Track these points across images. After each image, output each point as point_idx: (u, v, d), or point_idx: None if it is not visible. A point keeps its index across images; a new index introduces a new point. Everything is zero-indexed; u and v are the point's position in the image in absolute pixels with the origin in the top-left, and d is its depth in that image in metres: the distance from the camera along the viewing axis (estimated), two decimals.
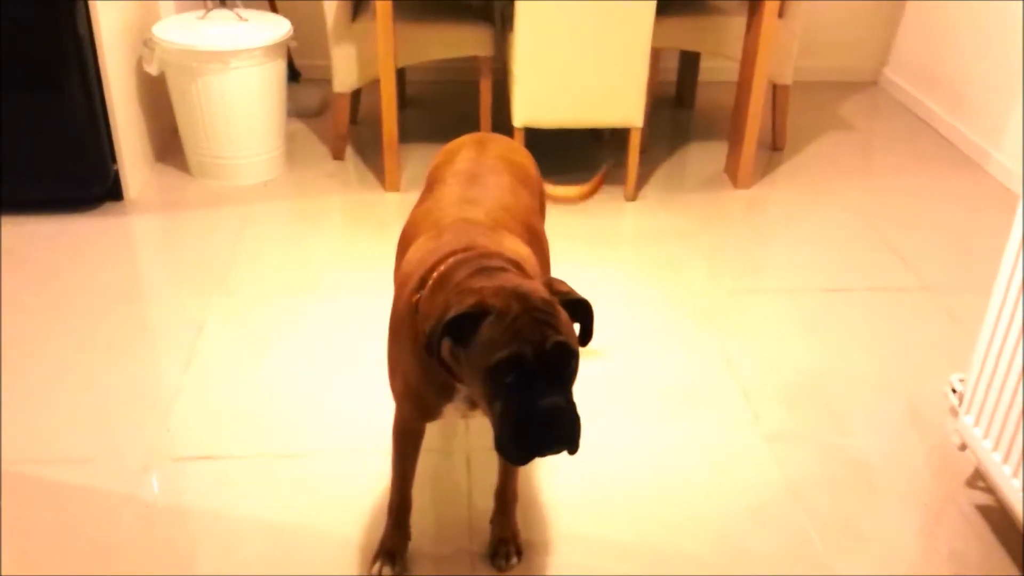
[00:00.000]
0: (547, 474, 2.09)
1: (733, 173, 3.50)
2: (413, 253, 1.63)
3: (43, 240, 2.99)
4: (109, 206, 3.20)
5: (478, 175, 1.83)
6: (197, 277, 2.83)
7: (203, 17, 3.32)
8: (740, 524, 1.97)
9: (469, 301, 1.35)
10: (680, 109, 4.24)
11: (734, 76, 3.69)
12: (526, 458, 1.37)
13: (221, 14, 3.35)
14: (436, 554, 1.88)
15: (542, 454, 1.37)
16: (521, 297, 1.35)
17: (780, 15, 3.49)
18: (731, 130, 3.53)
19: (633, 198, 3.37)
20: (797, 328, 2.66)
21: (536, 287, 1.39)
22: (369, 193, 3.38)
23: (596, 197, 3.35)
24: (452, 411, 1.58)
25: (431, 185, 1.90)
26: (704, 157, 3.75)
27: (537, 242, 1.81)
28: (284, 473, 2.08)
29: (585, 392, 2.36)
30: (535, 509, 1.99)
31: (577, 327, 1.44)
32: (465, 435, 2.21)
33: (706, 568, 1.86)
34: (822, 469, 2.13)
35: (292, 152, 3.63)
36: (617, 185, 3.43)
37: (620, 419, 2.28)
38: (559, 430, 1.34)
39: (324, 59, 3.58)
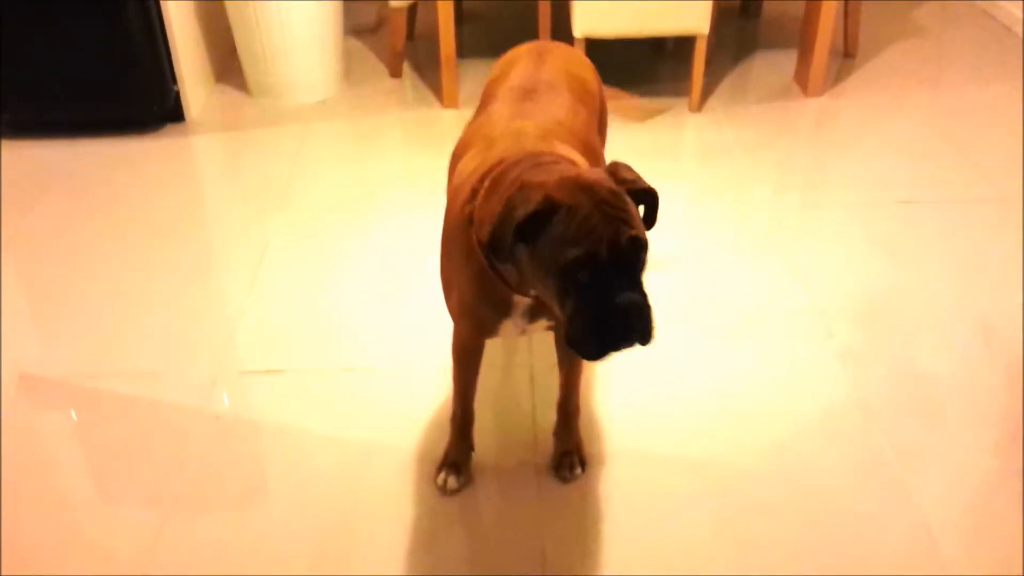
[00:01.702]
0: (610, 388, 2.08)
1: (803, 81, 3.37)
2: (464, 165, 1.59)
3: (107, 161, 3.03)
4: (170, 127, 3.22)
5: (533, 91, 1.76)
6: (259, 197, 2.84)
7: None
8: (810, 440, 1.94)
9: (536, 197, 1.30)
10: (746, 19, 4.08)
11: None
12: (603, 354, 1.35)
13: None
14: (500, 466, 1.89)
15: (618, 349, 1.34)
16: (588, 189, 1.31)
17: None
18: (801, 36, 3.39)
19: (698, 109, 3.26)
20: (870, 242, 2.57)
21: (601, 177, 1.35)
22: (427, 110, 3.34)
23: (660, 108, 3.28)
24: (510, 328, 1.55)
25: (484, 102, 1.85)
26: (772, 67, 3.61)
27: (595, 161, 1.75)
28: (348, 387, 2.10)
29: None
30: (598, 424, 1.99)
31: (641, 210, 1.41)
32: (528, 351, 2.19)
33: (775, 484, 1.84)
34: (895, 386, 2.08)
35: (349, 70, 3.59)
36: (681, 97, 3.32)
37: (687, 335, 2.24)
38: (635, 324, 1.32)
39: None
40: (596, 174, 1.35)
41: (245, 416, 2.03)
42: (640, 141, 3.07)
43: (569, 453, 1.86)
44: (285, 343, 2.24)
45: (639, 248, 1.31)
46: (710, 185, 2.86)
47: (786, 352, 2.18)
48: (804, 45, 3.36)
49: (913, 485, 1.82)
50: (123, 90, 3.11)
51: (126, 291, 2.43)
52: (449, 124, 3.24)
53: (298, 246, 2.61)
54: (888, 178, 2.87)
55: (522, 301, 1.49)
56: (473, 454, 1.87)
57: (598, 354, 1.35)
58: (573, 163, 1.46)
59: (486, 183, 1.43)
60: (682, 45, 3.74)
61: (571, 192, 1.31)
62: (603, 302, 1.30)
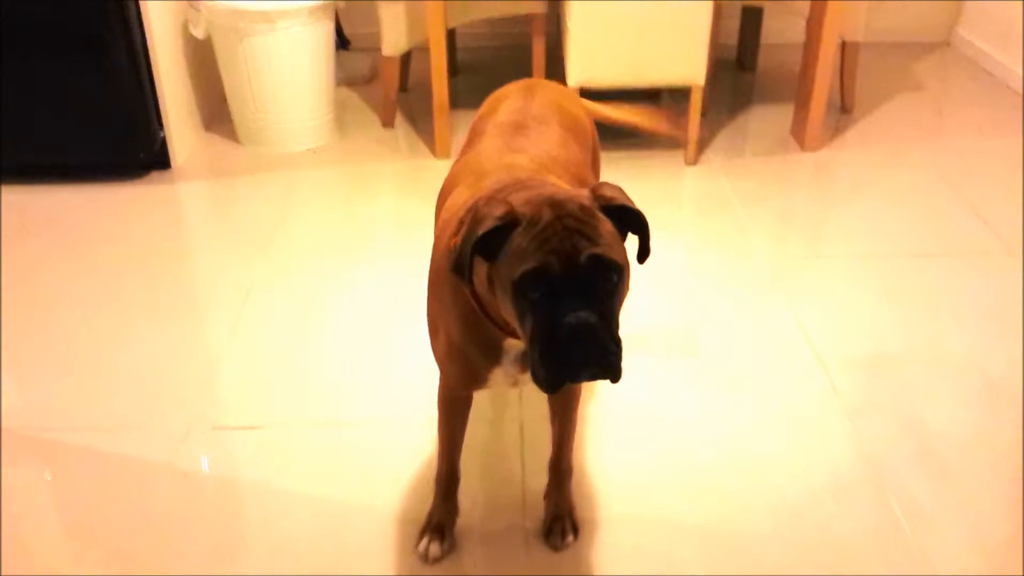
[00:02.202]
0: (605, 446, 1.97)
1: (800, 135, 3.32)
2: (453, 200, 1.51)
3: (88, 206, 2.94)
4: (156, 174, 3.14)
5: (524, 126, 1.69)
6: (244, 242, 2.76)
7: None
8: (819, 501, 1.83)
9: (498, 212, 1.23)
10: (741, 72, 4.05)
11: (798, 38, 3.52)
12: (554, 383, 1.24)
13: None
14: (487, 530, 1.77)
15: (572, 378, 1.24)
16: (555, 204, 1.23)
17: None
18: (798, 89, 3.35)
19: (694, 162, 3.20)
20: (874, 295, 2.49)
21: (577, 194, 1.27)
22: (419, 159, 3.28)
23: (653, 161, 3.22)
24: (501, 377, 1.45)
25: (473, 138, 1.78)
26: (768, 120, 3.56)
27: None
28: (328, 443, 1.99)
29: (648, 359, 2.23)
30: (592, 485, 1.87)
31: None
32: (518, 405, 2.09)
33: (783, 550, 1.72)
34: (904, 443, 1.97)
35: (341, 120, 3.54)
36: (676, 150, 3.27)
37: (687, 389, 2.14)
38: (589, 351, 1.20)
39: (373, 27, 3.47)
40: (571, 192, 1.28)
41: (217, 473, 1.92)
42: (637, 191, 2.98)
43: (561, 518, 1.74)
44: (263, 395, 2.13)
45: (602, 267, 1.21)
46: (709, 236, 2.78)
47: (791, 407, 2.08)
48: (801, 98, 3.32)
49: (928, 548, 1.71)
50: (108, 135, 3.04)
51: (99, 338, 2.32)
52: (441, 173, 3.11)
53: (281, 294, 2.51)
54: (891, 231, 2.80)
55: (513, 346, 1.39)
56: (458, 517, 1.76)
57: (550, 382, 1.24)
58: (560, 187, 1.38)
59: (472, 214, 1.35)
60: (678, 97, 3.70)
61: (536, 206, 1.23)
62: (552, 322, 1.20)
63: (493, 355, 1.42)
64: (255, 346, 2.30)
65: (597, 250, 1.20)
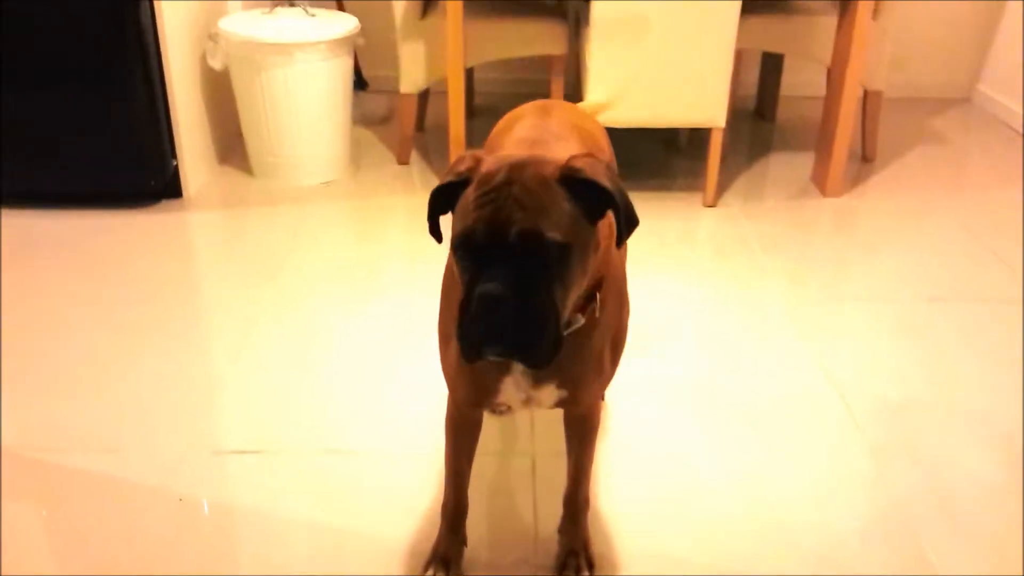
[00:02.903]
0: (624, 481, 1.87)
1: (822, 181, 3.27)
2: None
3: (97, 232, 2.90)
4: (167, 203, 3.10)
5: (543, 141, 1.63)
6: (251, 271, 2.70)
7: (270, 12, 3.23)
8: (844, 544, 1.72)
9: (461, 167, 1.21)
10: (761, 122, 4.02)
11: (817, 90, 3.51)
12: (464, 353, 1.18)
13: (288, 11, 3.26)
14: (495, 564, 1.67)
15: (478, 351, 1.17)
16: (514, 168, 1.17)
17: (873, 16, 3.27)
18: (820, 135, 3.31)
19: (713, 204, 3.15)
20: (898, 339, 2.40)
21: (545, 162, 1.19)
22: None
23: (672, 202, 3.17)
24: (512, 390, 1.37)
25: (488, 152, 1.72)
26: (788, 167, 3.52)
27: (606, 223, 1.61)
28: (331, 470, 1.90)
29: (667, 398, 2.14)
30: (610, 520, 1.77)
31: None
32: (529, 437, 2.00)
33: None
34: (932, 488, 1.87)
35: (356, 157, 3.51)
36: (695, 192, 3.22)
37: (707, 427, 2.05)
38: (494, 325, 1.13)
39: (391, 70, 3.46)
40: (544, 157, 1.21)
41: (214, 498, 1.82)
42: (654, 231, 2.94)
43: (576, 553, 1.64)
44: (264, 421, 2.05)
45: (532, 242, 1.13)
46: (728, 277, 2.71)
47: (815, 449, 1.98)
48: (822, 144, 3.28)
49: None
50: (121, 163, 3.01)
51: (100, 361, 2.25)
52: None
53: (287, 322, 2.44)
54: (914, 276, 2.73)
55: None
56: (465, 550, 1.66)
57: (461, 352, 1.18)
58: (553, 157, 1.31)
59: None
60: (696, 142, 3.67)
61: (497, 166, 1.18)
62: (468, 291, 1.15)
63: (503, 363, 1.33)
64: (258, 372, 2.23)
65: (530, 224, 1.13)
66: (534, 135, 1.65)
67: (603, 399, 2.05)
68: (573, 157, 1.20)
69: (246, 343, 2.33)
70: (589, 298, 1.30)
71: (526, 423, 2.04)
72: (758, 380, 2.22)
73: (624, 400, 2.11)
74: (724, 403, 2.14)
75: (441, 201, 1.25)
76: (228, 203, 3.16)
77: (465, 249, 1.16)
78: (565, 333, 1.26)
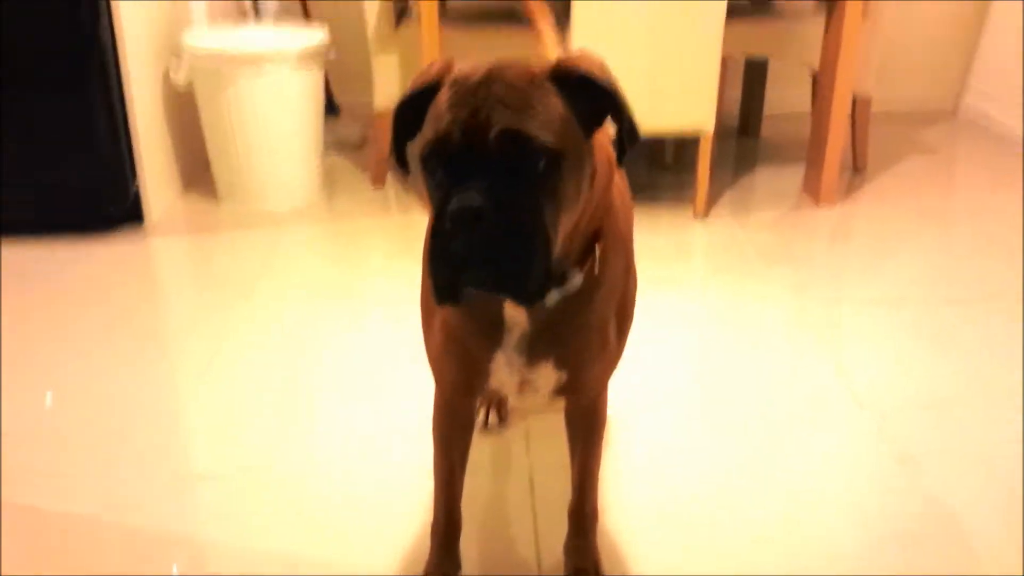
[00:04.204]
0: (635, 490, 1.69)
1: (814, 190, 3.14)
2: None
3: (52, 260, 2.70)
4: (127, 230, 2.92)
5: None
6: (219, 294, 2.52)
7: (236, 26, 3.09)
8: (883, 548, 1.55)
9: (432, 70, 1.04)
10: (745, 138, 3.91)
11: (800, 106, 3.41)
12: (438, 286, 1.00)
13: (255, 25, 3.13)
14: None
15: (453, 284, 0.99)
16: (495, 67, 1.00)
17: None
18: (810, 142, 3.19)
19: (704, 215, 3.01)
20: (917, 340, 2.26)
21: (533, 62, 1.04)
22: (411, 216, 3.07)
23: (662, 215, 3.03)
24: (504, 370, 1.19)
25: None
26: (777, 179, 3.40)
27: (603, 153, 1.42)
28: (305, 493, 1.70)
29: (679, 410, 1.97)
30: (621, 535, 1.59)
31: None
32: (525, 452, 1.82)
33: None
34: (972, 482, 1.71)
35: (329, 180, 3.35)
36: (683, 203, 3.08)
37: (725, 434, 1.88)
38: (477, 249, 0.95)
39: (363, 95, 3.34)
40: (529, 61, 1.05)
41: (174, 528, 1.62)
42: (646, 244, 2.77)
43: (585, 570, 1.46)
44: (231, 443, 1.85)
45: (518, 146, 0.96)
46: (731, 287, 2.56)
47: (841, 457, 1.82)
48: (814, 152, 3.16)
49: None
50: (77, 187, 2.82)
51: (54, 388, 2.05)
52: None
53: (257, 343, 2.26)
54: (925, 280, 2.59)
55: (516, 321, 1.15)
56: (460, 573, 1.47)
57: (434, 285, 1.00)
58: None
59: None
60: (681, 158, 3.55)
61: (475, 67, 1.00)
62: (440, 208, 0.96)
63: (493, 333, 1.16)
64: (225, 394, 2.03)
65: (515, 124, 0.96)
66: None
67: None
68: (570, 56, 1.04)
69: (212, 364, 2.14)
70: (587, 251, 1.12)
71: (520, 435, 1.85)
72: (773, 388, 2.06)
73: (631, 411, 1.94)
74: (739, 413, 1.97)
75: (408, 118, 1.06)
76: (193, 228, 2.98)
77: (436, 158, 0.98)
78: (561, 294, 1.09)
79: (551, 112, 0.99)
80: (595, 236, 1.13)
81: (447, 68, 1.05)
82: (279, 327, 2.34)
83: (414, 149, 1.06)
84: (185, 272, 2.76)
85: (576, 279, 1.11)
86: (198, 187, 3.26)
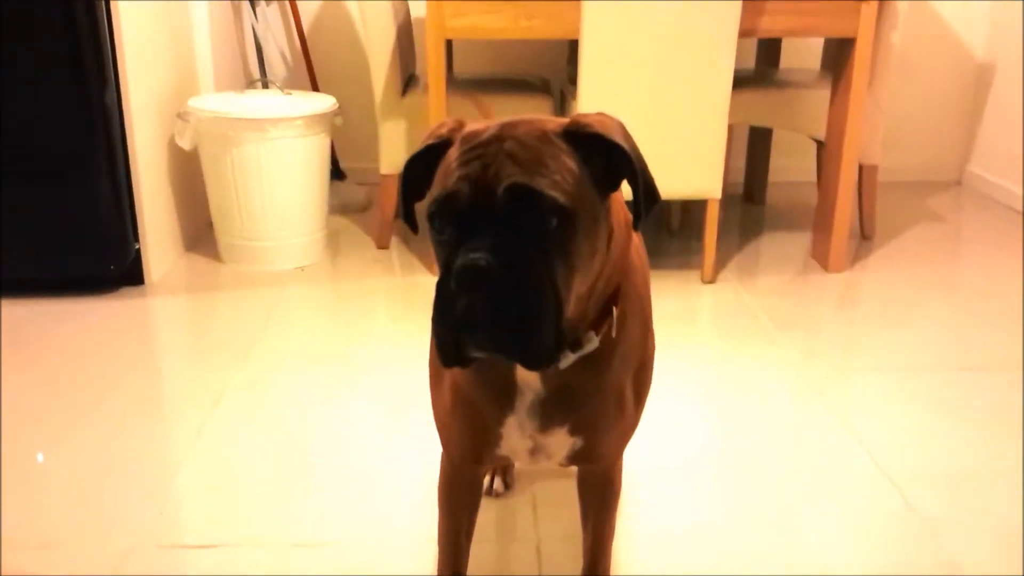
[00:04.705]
0: (652, 556, 1.61)
1: (823, 257, 3.11)
2: None
3: (50, 320, 2.66)
4: (127, 290, 2.88)
5: None
6: (216, 355, 2.46)
7: (243, 92, 3.10)
8: None
9: (442, 131, 1.02)
10: (750, 205, 3.90)
11: (805, 175, 3.42)
12: (442, 348, 0.95)
13: (263, 91, 3.14)
14: None
15: (461, 348, 0.94)
16: (506, 124, 0.97)
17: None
18: (818, 210, 3.17)
19: (712, 280, 2.97)
20: (931, 408, 2.19)
21: (547, 119, 1.01)
22: (415, 277, 3.04)
23: (670, 280, 2.99)
24: (516, 436, 1.14)
25: None
26: (784, 244, 3.37)
27: (620, 212, 1.29)
28: (301, 566, 1.62)
29: (697, 478, 1.90)
30: None
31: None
32: (532, 521, 1.74)
33: None
34: (996, 560, 1.62)
35: (333, 241, 3.33)
36: (691, 270, 3.05)
37: (738, 508, 1.80)
38: (483, 309, 0.91)
39: (369, 161, 3.35)
40: (544, 117, 1.03)
41: None
42: (656, 308, 2.73)
43: None
44: (223, 511, 1.78)
45: (528, 202, 0.92)
46: (743, 352, 2.50)
47: (865, 528, 1.74)
48: (821, 218, 3.14)
49: None
50: (79, 246, 2.79)
51: (46, 451, 1.98)
52: None
53: (253, 405, 2.20)
54: (938, 347, 2.54)
55: (529, 385, 1.09)
56: None
57: (438, 347, 0.96)
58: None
59: None
60: (687, 224, 3.53)
61: (487, 125, 0.98)
62: (446, 268, 0.92)
63: (505, 396, 1.11)
64: (219, 458, 1.96)
65: (525, 180, 0.92)
66: None
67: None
68: (584, 114, 1.02)
69: (206, 426, 2.08)
70: (604, 313, 1.08)
71: (527, 503, 1.78)
72: (788, 457, 1.99)
73: (642, 478, 1.86)
74: (755, 481, 1.89)
75: (417, 175, 1.04)
76: (193, 288, 2.94)
77: (444, 215, 0.94)
78: (575, 356, 1.05)
79: (563, 170, 0.96)
80: (613, 298, 1.09)
81: (458, 126, 1.03)
82: (277, 391, 2.27)
83: (423, 207, 1.03)
84: (183, 333, 2.71)
85: (592, 342, 1.06)
86: (201, 248, 3.24)
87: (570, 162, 0.97)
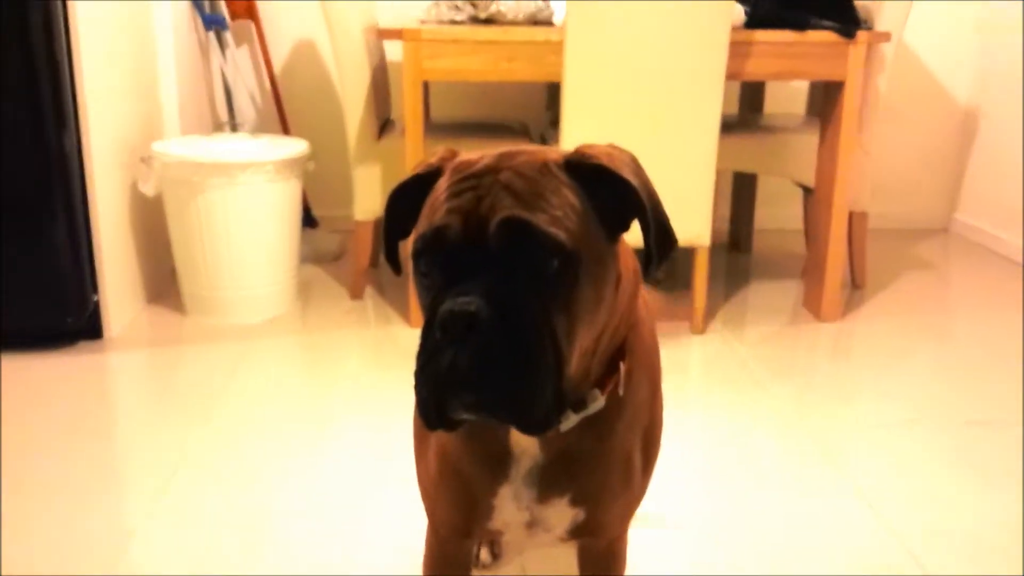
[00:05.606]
0: None
1: (815, 306, 3.00)
2: None
3: (3, 375, 2.48)
4: (85, 344, 2.71)
5: None
6: (178, 412, 2.30)
7: (211, 135, 2.97)
8: None
9: (431, 159, 0.92)
10: (736, 254, 3.81)
11: (791, 223, 3.34)
12: (424, 409, 0.83)
13: (230, 136, 3.01)
14: None
15: (445, 407, 0.81)
16: (503, 155, 0.86)
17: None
18: (808, 259, 3.08)
19: (702, 330, 2.85)
20: (940, 463, 2.07)
21: (547, 149, 0.90)
22: (391, 328, 2.90)
23: (658, 331, 2.86)
24: (510, 507, 1.00)
25: None
26: (774, 294, 3.27)
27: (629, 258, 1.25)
28: None
29: (694, 541, 1.75)
30: None
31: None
32: None
33: None
34: None
35: (305, 292, 3.18)
36: (680, 321, 2.93)
37: (739, 565, 1.66)
38: (472, 364, 0.78)
39: (343, 208, 3.23)
40: (543, 147, 0.92)
41: None
42: None
43: None
44: None
45: (524, 240, 0.80)
46: (737, 405, 2.37)
47: None
48: (812, 267, 3.04)
49: None
50: (30, 298, 2.61)
51: None
52: (416, 342, 2.77)
53: (219, 466, 2.03)
54: (939, 399, 2.42)
55: (525, 450, 0.96)
56: None
57: (420, 407, 0.84)
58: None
59: None
60: (672, 272, 3.42)
61: (481, 155, 0.86)
62: (431, 314, 0.81)
63: (498, 463, 0.97)
64: (180, 522, 1.80)
65: (522, 214, 0.81)
66: None
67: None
68: (589, 144, 0.89)
69: (167, 489, 1.91)
70: (610, 369, 0.95)
71: (516, 572, 1.62)
72: (791, 513, 1.85)
73: (636, 537, 1.71)
74: (753, 537, 1.75)
75: (403, 209, 0.92)
76: (155, 342, 2.77)
77: (430, 254, 0.83)
78: (578, 417, 0.91)
79: (565, 205, 0.85)
80: (619, 353, 0.96)
81: (450, 155, 0.92)
82: (243, 451, 2.11)
83: (407, 246, 0.90)
84: (143, 390, 2.54)
85: (598, 402, 0.93)
86: (164, 300, 3.07)
87: (573, 197, 0.86)
